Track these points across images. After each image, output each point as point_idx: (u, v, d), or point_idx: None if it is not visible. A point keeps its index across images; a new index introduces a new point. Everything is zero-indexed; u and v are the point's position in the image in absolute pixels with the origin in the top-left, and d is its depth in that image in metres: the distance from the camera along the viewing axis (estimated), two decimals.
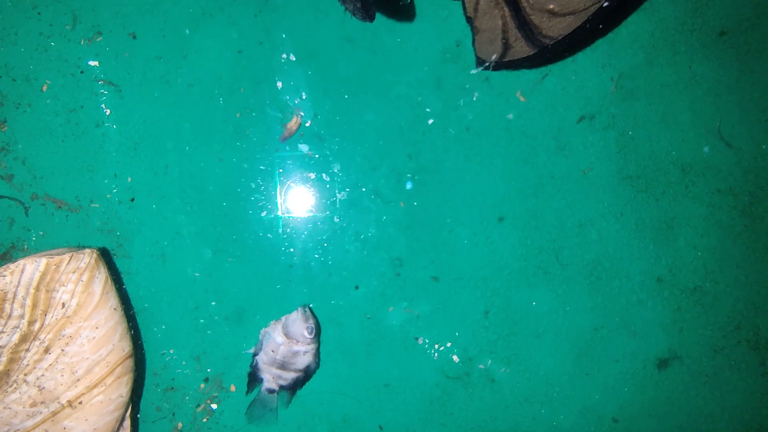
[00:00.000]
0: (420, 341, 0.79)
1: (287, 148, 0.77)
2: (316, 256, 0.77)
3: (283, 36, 0.68)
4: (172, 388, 0.76)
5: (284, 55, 0.76)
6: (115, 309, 0.66)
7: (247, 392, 0.76)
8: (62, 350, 0.64)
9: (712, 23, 0.80)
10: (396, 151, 0.78)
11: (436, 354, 0.79)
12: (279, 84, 0.76)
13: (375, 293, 0.78)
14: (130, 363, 0.68)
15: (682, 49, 0.80)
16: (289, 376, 0.74)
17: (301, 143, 0.75)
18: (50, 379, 0.64)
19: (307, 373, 0.76)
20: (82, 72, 0.74)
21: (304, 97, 0.76)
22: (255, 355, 0.75)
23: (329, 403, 0.78)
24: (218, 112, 0.76)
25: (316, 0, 0.76)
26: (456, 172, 0.78)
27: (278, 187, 0.77)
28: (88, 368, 0.64)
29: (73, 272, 0.64)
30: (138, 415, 0.76)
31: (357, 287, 0.78)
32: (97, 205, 0.74)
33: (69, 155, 0.74)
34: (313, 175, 0.77)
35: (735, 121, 0.81)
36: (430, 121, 0.70)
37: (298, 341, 0.72)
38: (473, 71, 0.78)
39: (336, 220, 0.77)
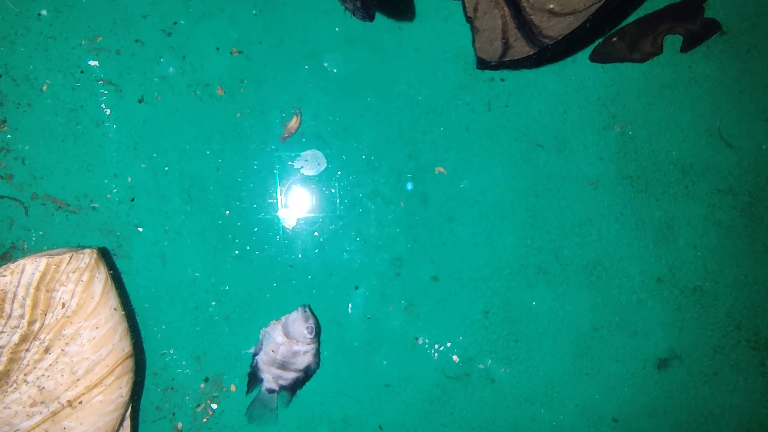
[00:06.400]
0: (420, 341, 0.79)
1: (287, 147, 0.77)
2: (316, 256, 0.77)
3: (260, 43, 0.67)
4: (172, 388, 0.76)
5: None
6: (115, 309, 0.66)
7: (247, 392, 0.76)
8: (62, 350, 0.64)
9: None
10: (396, 151, 0.78)
11: (436, 354, 0.79)
12: (279, 84, 0.76)
13: (375, 293, 0.78)
14: (130, 363, 0.68)
15: None
16: (289, 376, 0.74)
17: (301, 152, 0.74)
18: (50, 379, 0.64)
19: (307, 373, 0.76)
20: (82, 72, 0.74)
21: (304, 97, 0.76)
22: (255, 355, 0.75)
23: (329, 403, 0.78)
24: (218, 112, 0.76)
25: (316, 0, 0.76)
26: (456, 172, 0.78)
27: (278, 187, 0.77)
28: (88, 368, 0.64)
29: (73, 272, 0.64)
30: (138, 415, 0.76)
31: (357, 287, 0.78)
32: (97, 205, 0.74)
33: (69, 155, 0.74)
34: (313, 175, 0.77)
35: (735, 121, 0.81)
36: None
37: (298, 341, 0.72)
38: (473, 71, 0.78)
39: (336, 219, 0.77)
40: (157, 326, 0.76)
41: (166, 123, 0.75)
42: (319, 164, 0.72)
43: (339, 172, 0.77)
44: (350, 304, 0.77)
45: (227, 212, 0.76)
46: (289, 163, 0.76)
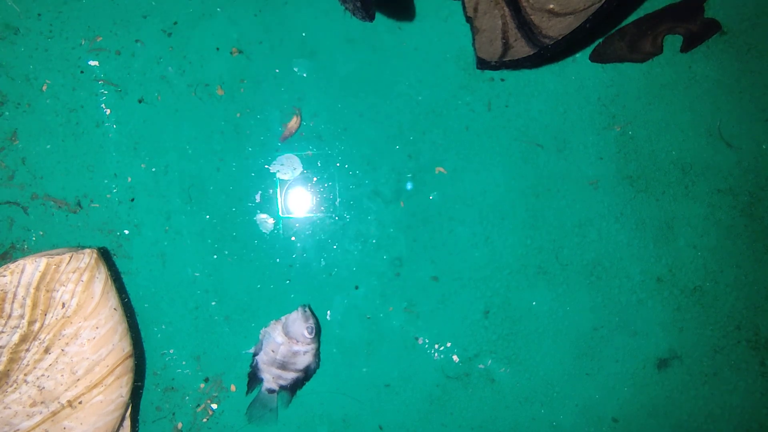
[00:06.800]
0: (420, 341, 0.79)
1: (287, 147, 0.77)
2: (316, 256, 0.77)
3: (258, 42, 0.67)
4: (172, 388, 0.76)
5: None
6: (115, 309, 0.66)
7: (247, 392, 0.76)
8: (62, 350, 0.64)
9: None
10: (396, 151, 0.78)
11: (436, 354, 0.79)
12: (279, 84, 0.76)
13: (375, 293, 0.78)
14: (130, 363, 0.68)
15: None
16: (289, 376, 0.74)
17: (300, 151, 0.74)
18: (50, 379, 0.64)
19: (307, 373, 0.76)
20: (82, 72, 0.74)
21: (304, 97, 0.76)
22: (255, 355, 0.75)
23: (329, 403, 0.78)
24: (218, 112, 0.76)
25: (316, 0, 0.76)
26: (456, 172, 0.78)
27: (278, 187, 0.77)
28: (88, 368, 0.64)
29: (73, 272, 0.64)
30: (138, 415, 0.76)
31: (357, 287, 0.78)
32: (97, 205, 0.74)
33: (69, 155, 0.74)
34: (313, 175, 0.77)
35: (735, 121, 0.81)
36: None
37: (298, 341, 0.72)
38: (473, 71, 0.78)
39: (336, 219, 0.77)
40: (157, 326, 0.76)
41: (166, 123, 0.75)
42: (294, 168, 0.73)
43: (339, 172, 0.77)
44: (329, 311, 0.77)
45: (227, 212, 0.76)
46: (266, 166, 0.76)
